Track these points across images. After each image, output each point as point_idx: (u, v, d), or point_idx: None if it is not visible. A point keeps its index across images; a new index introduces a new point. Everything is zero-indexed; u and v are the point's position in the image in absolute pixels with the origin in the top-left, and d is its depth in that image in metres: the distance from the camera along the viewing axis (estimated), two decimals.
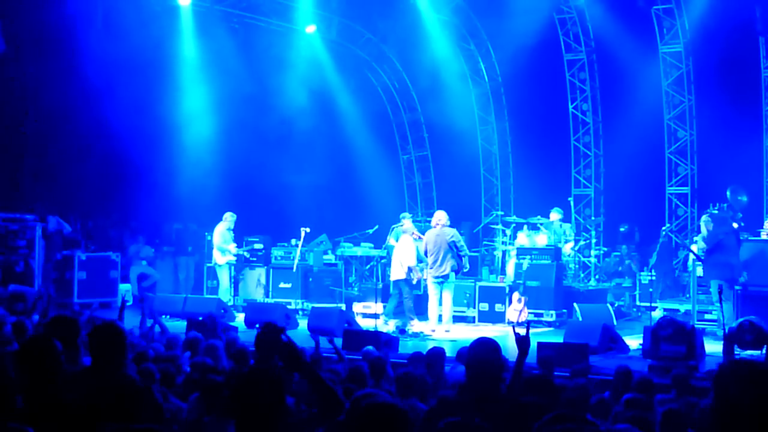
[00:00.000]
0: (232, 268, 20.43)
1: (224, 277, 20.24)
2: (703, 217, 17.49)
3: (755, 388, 3.97)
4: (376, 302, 18.23)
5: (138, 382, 5.86)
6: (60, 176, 21.25)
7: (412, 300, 17.66)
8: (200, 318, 15.65)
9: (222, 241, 20.13)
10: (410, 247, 17.79)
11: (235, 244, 20.32)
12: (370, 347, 11.79)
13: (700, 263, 17.38)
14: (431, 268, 17.23)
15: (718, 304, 15.49)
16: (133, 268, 21.89)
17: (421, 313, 17.82)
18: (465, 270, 17.81)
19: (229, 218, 20.33)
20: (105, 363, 5.78)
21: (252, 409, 4.75)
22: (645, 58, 22.60)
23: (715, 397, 4.10)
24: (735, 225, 17.32)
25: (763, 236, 17.83)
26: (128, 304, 20.52)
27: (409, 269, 17.61)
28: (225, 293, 20.04)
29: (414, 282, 17.78)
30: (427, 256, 17.36)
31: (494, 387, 5.45)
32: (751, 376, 4.02)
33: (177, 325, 15.71)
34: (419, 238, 18.49)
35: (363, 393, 4.74)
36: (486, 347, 5.59)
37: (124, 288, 21.07)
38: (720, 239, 16.33)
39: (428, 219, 18.25)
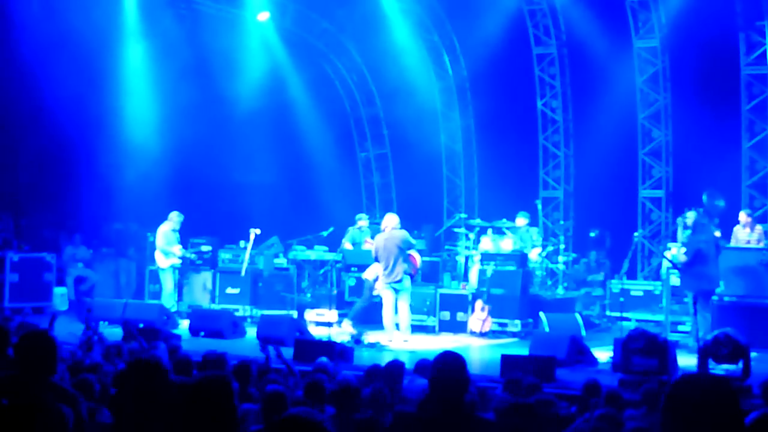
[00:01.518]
0: (177, 271, 20.25)
1: (168, 282, 20.01)
2: (681, 218, 17.60)
3: (710, 406, 3.97)
4: (330, 309, 18.21)
5: (66, 396, 5.75)
6: None
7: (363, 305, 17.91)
8: (141, 325, 15.53)
9: (165, 243, 19.90)
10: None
11: (180, 246, 20.11)
12: (324, 358, 11.74)
13: (674, 271, 17.48)
14: (383, 275, 17.22)
15: (693, 316, 15.63)
16: (70, 270, 21.70)
17: (378, 321, 17.81)
18: (418, 271, 17.81)
19: (174, 218, 20.09)
20: (32, 373, 5.70)
21: (203, 425, 4.68)
22: (618, 54, 22.71)
23: (666, 415, 4.08)
24: (717, 233, 17.44)
25: (738, 234, 18.03)
26: (64, 309, 20.47)
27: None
28: (169, 298, 19.82)
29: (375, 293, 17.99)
30: (377, 262, 17.34)
31: (457, 403, 5.42)
32: (704, 393, 4.01)
33: (116, 332, 15.54)
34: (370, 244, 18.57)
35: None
36: (450, 361, 5.56)
37: (60, 291, 20.88)
38: (699, 248, 16.39)
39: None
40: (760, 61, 20.85)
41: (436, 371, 5.48)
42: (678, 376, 4.17)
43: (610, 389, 9.67)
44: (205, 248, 20.65)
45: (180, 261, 20.12)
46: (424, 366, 10.40)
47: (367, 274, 18.30)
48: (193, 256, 20.58)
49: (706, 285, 16.17)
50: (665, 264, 18.64)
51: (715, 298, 16.41)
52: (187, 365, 9.53)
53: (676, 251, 17.72)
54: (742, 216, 18.79)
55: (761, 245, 17.64)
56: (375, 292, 18.00)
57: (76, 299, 21.12)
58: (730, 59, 21.08)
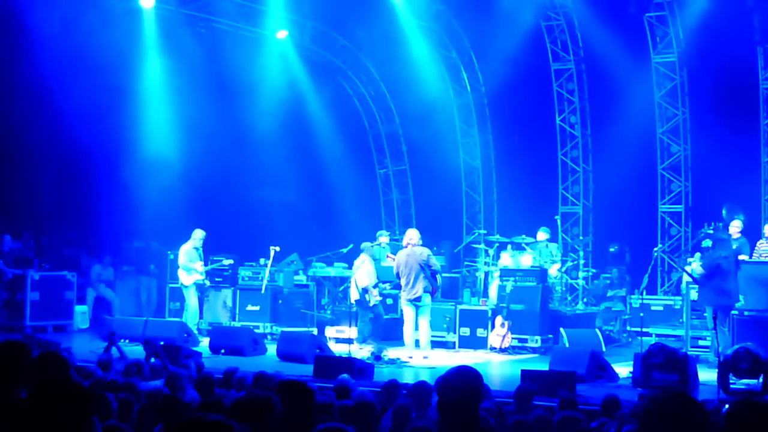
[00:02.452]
0: (199, 288, 20.26)
1: (192, 299, 20.03)
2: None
3: (684, 425, 4.05)
4: (350, 326, 18.26)
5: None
6: (12, 188, 21.14)
7: (369, 324, 17.97)
8: (161, 342, 15.60)
9: (188, 260, 19.95)
10: (366, 268, 18.16)
11: (202, 263, 20.16)
12: (345, 375, 11.78)
13: (694, 286, 17.46)
14: (404, 291, 17.29)
15: (713, 331, 15.61)
16: (91, 289, 21.80)
17: (398, 338, 17.87)
18: (439, 290, 17.89)
19: (197, 236, 20.14)
20: (41, 395, 5.67)
21: None
22: (637, 69, 22.73)
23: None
24: (733, 246, 17.41)
25: (759, 250, 17.99)
26: (85, 327, 20.59)
27: (364, 290, 17.85)
28: (193, 316, 19.85)
29: (370, 305, 18.02)
30: (399, 278, 17.40)
31: (471, 419, 5.42)
32: (677, 410, 4.08)
33: (137, 350, 15.63)
34: (392, 259, 18.68)
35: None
36: (463, 377, 5.53)
37: (81, 310, 20.99)
38: (718, 263, 16.38)
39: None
40: None
41: (446, 385, 5.47)
42: (655, 394, 4.24)
43: (638, 404, 9.66)
44: (227, 261, 20.63)
45: (203, 277, 20.16)
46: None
47: (353, 297, 18.50)
48: (215, 265, 20.55)
49: (725, 300, 16.14)
50: (685, 279, 18.64)
51: (735, 312, 16.37)
52: (209, 383, 9.59)
53: (696, 265, 17.70)
54: (767, 229, 18.78)
55: None
56: (369, 303, 18.14)
57: (96, 318, 21.20)
58: (749, 73, 21.08)
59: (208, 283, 20.43)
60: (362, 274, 18.33)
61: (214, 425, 4.14)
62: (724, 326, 15.91)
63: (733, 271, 16.37)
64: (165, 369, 11.36)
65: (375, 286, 18.51)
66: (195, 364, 11.83)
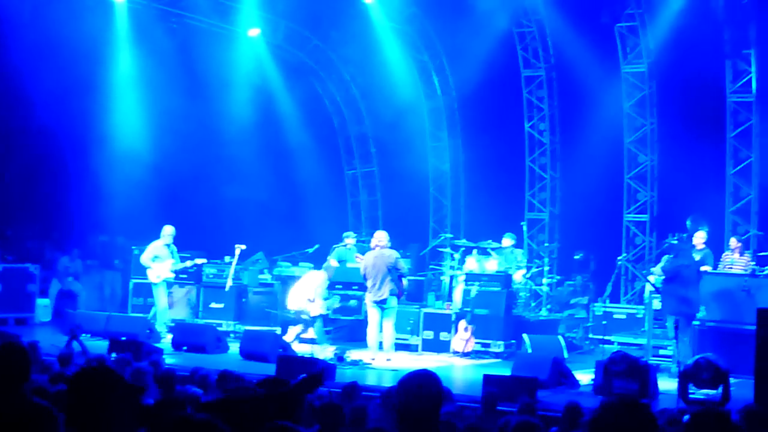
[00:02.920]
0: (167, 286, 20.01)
1: (161, 297, 19.75)
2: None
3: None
4: (313, 327, 18.26)
5: (40, 408, 5.71)
6: None
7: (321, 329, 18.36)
8: (123, 338, 15.55)
9: (149, 258, 19.65)
10: (321, 284, 18.38)
11: (174, 260, 19.93)
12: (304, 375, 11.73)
13: (657, 296, 17.56)
14: (369, 292, 17.30)
15: (675, 340, 15.71)
16: (55, 282, 21.66)
17: (362, 339, 17.87)
18: (405, 293, 17.95)
19: (167, 232, 19.76)
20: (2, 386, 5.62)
21: None
22: (606, 78, 22.85)
23: None
24: (697, 257, 17.53)
25: (724, 261, 18.15)
26: (47, 320, 20.45)
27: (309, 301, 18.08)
28: (162, 314, 19.60)
29: (312, 315, 18.21)
30: (365, 280, 17.40)
31: (430, 425, 5.38)
32: (627, 417, 4.13)
33: (99, 345, 15.56)
34: (360, 260, 18.72)
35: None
36: (422, 381, 5.47)
37: (43, 303, 20.84)
38: (679, 270, 16.49)
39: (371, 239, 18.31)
40: (746, 89, 21.02)
41: (404, 391, 5.41)
42: (607, 400, 4.27)
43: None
44: (200, 261, 20.40)
45: (173, 275, 19.93)
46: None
47: (292, 305, 18.58)
48: (186, 264, 20.25)
49: (686, 309, 16.25)
50: (648, 288, 18.74)
51: (696, 323, 16.49)
52: (170, 379, 9.54)
53: (656, 269, 17.85)
54: (733, 241, 18.96)
55: (747, 271, 17.72)
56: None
57: (58, 311, 21.05)
58: (717, 86, 21.25)
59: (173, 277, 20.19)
60: (315, 285, 18.44)
61: (201, 425, 4.09)
62: (685, 336, 16.02)
63: (695, 280, 16.47)
64: (128, 364, 11.29)
65: (326, 299, 18.63)
66: (150, 362, 11.75)
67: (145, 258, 19.63)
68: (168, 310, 19.75)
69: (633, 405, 4.18)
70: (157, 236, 19.90)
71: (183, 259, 20.26)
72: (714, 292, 16.79)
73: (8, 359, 5.60)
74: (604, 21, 21.91)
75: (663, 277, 16.87)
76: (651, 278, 18.20)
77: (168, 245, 19.77)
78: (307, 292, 18.42)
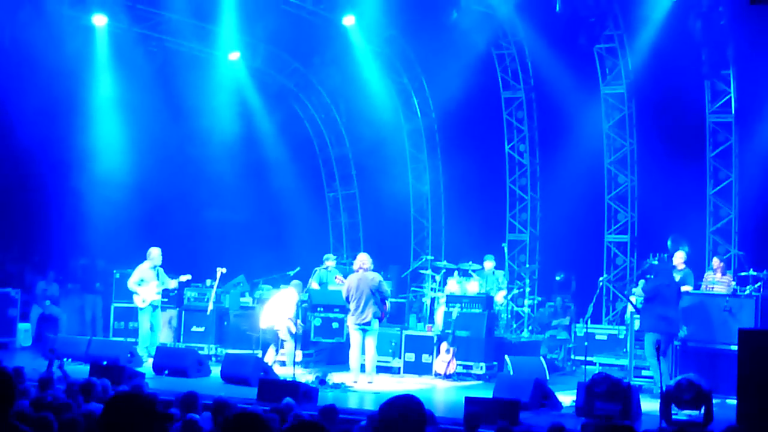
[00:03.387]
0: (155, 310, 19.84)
1: (144, 321, 19.49)
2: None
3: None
4: (295, 349, 18.21)
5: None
6: None
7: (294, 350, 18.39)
8: (104, 362, 15.47)
9: (135, 282, 19.52)
10: (292, 301, 18.46)
11: (158, 282, 19.66)
12: (289, 399, 11.71)
13: (638, 316, 17.58)
14: (352, 315, 17.26)
15: (652, 360, 15.75)
16: (35, 306, 21.56)
17: (343, 362, 17.83)
18: (387, 316, 17.93)
19: (153, 254, 19.58)
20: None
21: None
22: (586, 99, 22.94)
23: None
24: (677, 277, 17.58)
25: (706, 281, 18.20)
26: (27, 344, 20.33)
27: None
28: (145, 339, 19.40)
29: (294, 332, 18.28)
30: (348, 302, 17.36)
31: None
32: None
33: (80, 370, 15.46)
34: (341, 283, 18.71)
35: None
36: (404, 405, 5.43)
37: (23, 327, 20.73)
38: (659, 290, 16.53)
39: (354, 261, 18.27)
40: (725, 109, 21.17)
41: (386, 415, 5.37)
42: (599, 424, 4.31)
43: None
44: (184, 277, 20.21)
45: (159, 298, 19.76)
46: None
47: (264, 323, 18.60)
48: (172, 284, 20.11)
49: (665, 327, 16.28)
50: (629, 309, 18.75)
51: (677, 343, 16.52)
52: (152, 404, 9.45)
53: (637, 290, 17.90)
54: (715, 261, 19.04)
55: (729, 291, 17.76)
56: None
57: (39, 335, 20.94)
58: (696, 107, 21.38)
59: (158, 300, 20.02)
60: (288, 306, 18.45)
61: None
62: (664, 355, 16.05)
63: (674, 299, 16.51)
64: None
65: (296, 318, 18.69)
66: (133, 386, 11.68)
67: (131, 283, 19.49)
68: (149, 334, 19.60)
69: (619, 428, 4.19)
70: (138, 259, 19.82)
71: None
72: (695, 312, 16.81)
73: None
74: (583, 42, 21.95)
75: (643, 297, 16.91)
76: (632, 299, 18.22)
77: (155, 267, 19.65)
78: (285, 310, 18.41)
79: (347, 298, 17.41)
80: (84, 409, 9.25)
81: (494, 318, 19.54)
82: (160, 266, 19.70)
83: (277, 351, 18.76)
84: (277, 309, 18.56)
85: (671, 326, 16.35)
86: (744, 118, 21.19)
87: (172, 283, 19.89)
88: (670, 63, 21.03)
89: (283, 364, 18.47)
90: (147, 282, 19.45)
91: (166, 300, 20.45)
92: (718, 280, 18.46)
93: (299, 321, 18.60)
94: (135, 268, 19.69)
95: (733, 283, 18.39)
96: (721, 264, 18.92)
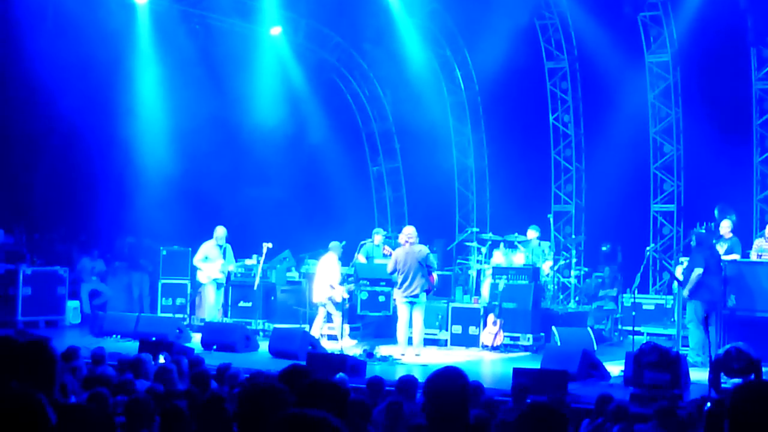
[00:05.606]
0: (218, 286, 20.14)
1: (209, 295, 19.97)
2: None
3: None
4: (342, 323, 18.31)
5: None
6: (4, 183, 21.12)
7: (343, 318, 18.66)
8: (153, 338, 15.64)
9: (200, 258, 19.89)
10: (334, 266, 18.65)
11: (223, 261, 19.98)
12: (340, 373, 11.81)
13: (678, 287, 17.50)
14: (400, 288, 17.26)
15: (691, 327, 15.78)
16: (84, 285, 21.80)
17: (390, 335, 17.91)
18: (434, 289, 17.94)
19: (219, 233, 20.01)
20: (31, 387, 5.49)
21: None
22: (630, 68, 22.78)
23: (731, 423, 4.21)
24: (724, 246, 17.47)
25: (753, 257, 18.02)
26: (77, 322, 20.58)
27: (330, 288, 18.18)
28: (212, 312, 19.82)
29: (338, 300, 18.48)
30: (396, 275, 17.38)
31: (460, 421, 5.39)
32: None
33: (129, 346, 15.65)
34: (389, 254, 18.76)
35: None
36: (446, 378, 5.48)
37: (72, 305, 20.97)
38: (708, 262, 16.44)
39: (399, 235, 18.30)
40: None
41: (430, 388, 5.42)
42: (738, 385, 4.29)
43: (617, 403, 9.69)
44: (250, 262, 20.47)
45: (223, 275, 20.06)
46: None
47: (317, 297, 18.73)
48: (240, 270, 20.47)
49: (708, 295, 16.25)
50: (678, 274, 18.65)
51: (726, 312, 16.44)
52: (204, 378, 9.60)
53: (678, 271, 17.79)
54: None
55: None
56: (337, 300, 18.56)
57: (90, 313, 21.19)
58: (741, 74, 21.14)
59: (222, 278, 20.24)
60: (330, 272, 18.55)
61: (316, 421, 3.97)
62: (708, 324, 16.04)
63: (714, 269, 16.44)
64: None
65: (341, 284, 18.74)
66: (189, 360, 11.81)
67: (196, 259, 19.93)
68: (214, 308, 19.84)
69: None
70: (185, 237, 20.06)
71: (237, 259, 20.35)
72: (743, 281, 16.72)
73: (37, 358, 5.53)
74: (627, 11, 21.86)
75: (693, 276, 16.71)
76: (678, 268, 18.12)
77: (220, 245, 19.90)
78: (329, 278, 18.53)
79: (394, 271, 17.43)
80: (139, 386, 9.36)
81: (540, 289, 19.53)
82: (228, 245, 19.95)
83: (326, 322, 18.88)
84: (320, 279, 18.69)
85: (713, 294, 16.29)
86: None
87: (230, 267, 20.11)
88: (715, 30, 20.83)
89: (331, 338, 18.59)
90: (212, 260, 19.79)
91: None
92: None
93: (347, 285, 18.78)
94: (179, 246, 20.05)
95: None
96: None
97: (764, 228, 19.00)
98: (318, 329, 18.62)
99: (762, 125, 21.16)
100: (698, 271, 16.45)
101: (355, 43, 25.69)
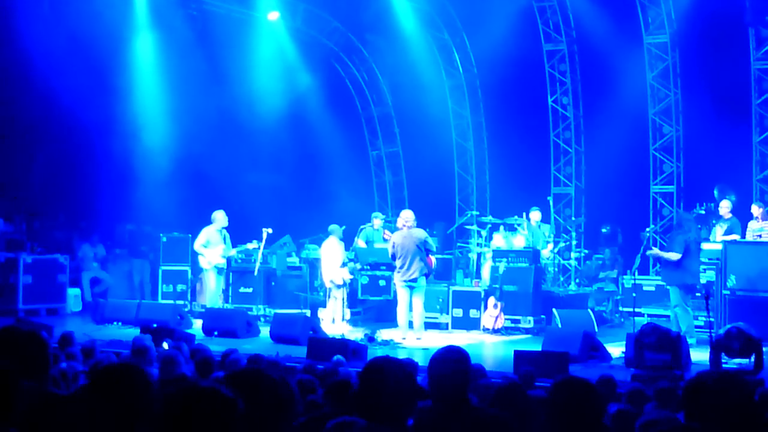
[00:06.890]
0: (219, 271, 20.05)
1: (210, 281, 19.87)
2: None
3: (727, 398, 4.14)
4: (343, 308, 18.35)
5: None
6: (3, 171, 21.10)
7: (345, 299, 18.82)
8: (154, 325, 15.66)
9: (200, 244, 19.74)
10: (336, 249, 18.79)
11: (225, 246, 19.89)
12: (340, 356, 11.84)
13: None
14: (398, 272, 17.27)
15: (678, 311, 15.88)
16: (85, 273, 21.82)
17: (391, 319, 17.95)
18: (432, 272, 17.96)
19: (219, 217, 19.85)
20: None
21: None
22: (629, 50, 22.75)
23: (687, 409, 4.25)
24: (724, 227, 17.51)
25: (752, 229, 18.06)
26: (78, 310, 20.60)
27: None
28: (214, 298, 19.81)
29: (339, 282, 18.62)
30: (394, 260, 17.40)
31: (461, 399, 5.45)
32: (724, 387, 4.18)
33: (130, 333, 15.68)
34: (389, 239, 18.80)
35: None
36: (448, 357, 5.56)
37: (73, 293, 20.99)
38: (688, 245, 16.45)
39: (397, 219, 18.31)
40: None
41: (433, 367, 5.49)
42: (696, 373, 4.34)
43: (632, 386, 9.70)
44: (251, 246, 20.38)
45: (223, 261, 20.04)
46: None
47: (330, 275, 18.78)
48: (240, 257, 20.46)
49: (690, 279, 16.31)
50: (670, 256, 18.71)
51: (726, 292, 16.48)
52: (208, 364, 9.61)
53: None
54: (755, 209, 18.81)
55: None
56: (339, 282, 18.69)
57: (92, 300, 21.21)
58: (740, 54, 21.11)
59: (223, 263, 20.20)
60: (334, 255, 18.65)
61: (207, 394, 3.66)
62: (688, 305, 16.16)
63: (696, 252, 16.50)
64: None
65: (344, 266, 18.80)
66: (190, 348, 11.82)
67: (197, 244, 19.81)
68: (215, 294, 19.83)
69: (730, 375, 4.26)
70: (185, 223, 20.07)
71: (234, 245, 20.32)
72: (743, 261, 16.74)
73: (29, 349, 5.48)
74: None
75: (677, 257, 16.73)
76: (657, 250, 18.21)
77: (220, 231, 19.83)
78: (334, 260, 18.61)
79: (393, 255, 17.45)
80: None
81: (541, 272, 19.57)
82: (226, 230, 19.91)
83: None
84: (327, 263, 18.76)
85: (693, 277, 16.42)
86: None
87: (231, 252, 20.09)
88: (713, 11, 20.81)
89: (332, 322, 18.64)
90: (213, 245, 19.67)
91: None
92: (765, 228, 18.29)
93: (351, 264, 18.90)
94: (179, 232, 20.07)
95: None
96: (761, 210, 18.69)
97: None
98: (331, 312, 18.69)
99: (761, 105, 21.13)
100: (674, 256, 16.48)
101: (354, 27, 25.69)
